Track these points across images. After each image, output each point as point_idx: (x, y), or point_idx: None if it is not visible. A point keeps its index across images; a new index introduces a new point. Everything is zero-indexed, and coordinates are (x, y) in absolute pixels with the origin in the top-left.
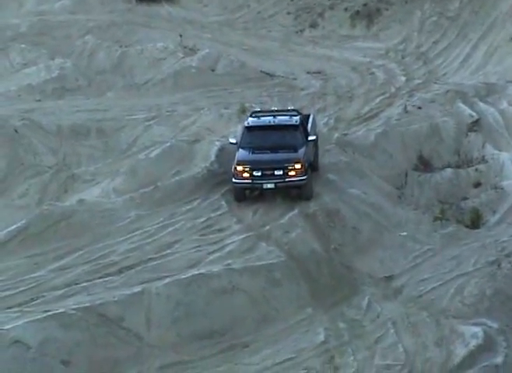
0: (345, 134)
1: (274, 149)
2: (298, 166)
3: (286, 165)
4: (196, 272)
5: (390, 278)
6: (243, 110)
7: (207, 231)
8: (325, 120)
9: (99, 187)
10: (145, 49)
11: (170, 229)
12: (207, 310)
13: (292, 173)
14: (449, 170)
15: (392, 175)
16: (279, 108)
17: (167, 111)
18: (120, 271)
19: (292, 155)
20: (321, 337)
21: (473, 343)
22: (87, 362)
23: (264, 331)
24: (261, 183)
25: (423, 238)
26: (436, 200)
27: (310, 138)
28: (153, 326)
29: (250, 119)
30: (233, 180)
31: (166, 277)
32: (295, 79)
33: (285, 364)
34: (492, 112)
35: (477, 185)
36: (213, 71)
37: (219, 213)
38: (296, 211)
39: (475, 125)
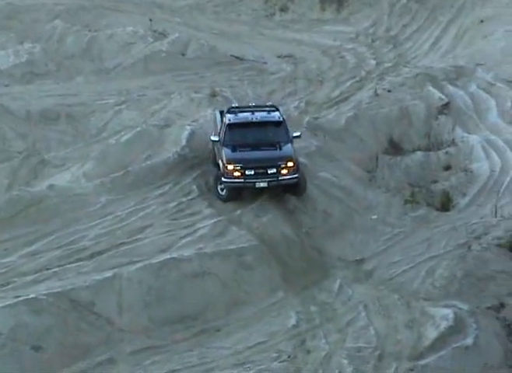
0: (316, 118)
1: (261, 146)
2: (290, 164)
3: (279, 163)
4: (167, 256)
5: (361, 261)
6: (213, 94)
7: (178, 216)
8: (296, 103)
9: (69, 172)
10: (114, 33)
11: (141, 214)
12: (178, 294)
13: (284, 171)
14: (419, 153)
15: (363, 158)
16: (258, 103)
17: (137, 95)
18: (91, 256)
19: (283, 153)
20: (293, 321)
21: (443, 324)
22: (58, 347)
23: (236, 315)
24: (254, 182)
25: (394, 221)
26: (407, 183)
27: (294, 134)
28: (125, 311)
29: (230, 115)
30: (224, 180)
31: (138, 261)
32: (265, 63)
33: (257, 347)
34: (462, 95)
35: (447, 168)
36: (183, 55)
37: (190, 197)
38: (266, 195)
39: (445, 108)
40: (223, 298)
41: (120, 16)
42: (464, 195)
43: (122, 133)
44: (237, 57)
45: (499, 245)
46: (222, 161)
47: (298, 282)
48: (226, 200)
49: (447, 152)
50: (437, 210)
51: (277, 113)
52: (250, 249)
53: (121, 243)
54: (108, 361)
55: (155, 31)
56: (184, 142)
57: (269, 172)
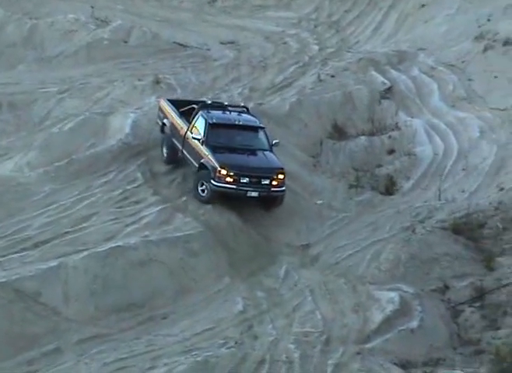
0: (260, 104)
1: (247, 152)
2: (281, 176)
3: (273, 174)
4: (113, 244)
5: (307, 246)
6: (157, 82)
7: (123, 204)
8: (239, 90)
9: (12, 162)
10: (55, 21)
11: (86, 202)
12: (125, 282)
13: (275, 183)
14: (363, 138)
15: (307, 143)
16: (230, 103)
17: (80, 83)
18: (36, 245)
19: (276, 164)
20: (240, 307)
21: (389, 308)
22: (4, 338)
23: (183, 302)
24: (246, 191)
25: (339, 206)
26: (351, 167)
27: (273, 142)
28: (71, 300)
29: (208, 113)
30: (214, 183)
31: (83, 250)
32: (208, 50)
33: (204, 334)
34: (404, 79)
35: (391, 152)
36: (126, 42)
37: (135, 185)
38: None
39: (388, 93)
40: (170, 285)
41: (61, 4)
42: (408, 179)
43: (65, 121)
44: (180, 44)
45: (443, 228)
46: (210, 163)
47: (244, 268)
48: (206, 201)
49: (390, 136)
50: (382, 194)
51: (253, 117)
52: (197, 236)
53: (66, 232)
54: (55, 351)
55: (97, 18)
56: (127, 130)
57: (263, 182)
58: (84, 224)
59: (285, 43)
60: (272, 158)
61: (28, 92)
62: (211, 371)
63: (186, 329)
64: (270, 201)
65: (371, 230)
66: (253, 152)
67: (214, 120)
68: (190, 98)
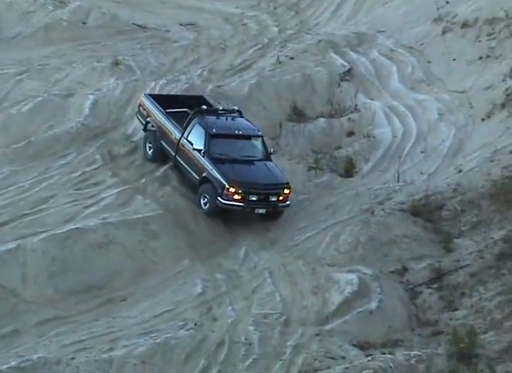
0: (219, 86)
1: (249, 163)
2: (287, 191)
3: (280, 190)
4: (72, 226)
5: (266, 228)
6: (116, 63)
7: (82, 186)
8: (199, 72)
9: None
10: (13, 2)
11: (45, 184)
12: (84, 265)
13: (281, 198)
14: (322, 120)
15: (266, 125)
16: (224, 107)
17: (39, 65)
18: None
19: (282, 179)
20: (199, 289)
21: (348, 289)
22: None
23: (142, 284)
24: (254, 208)
25: (298, 188)
26: (310, 149)
27: (272, 150)
28: (29, 282)
29: (206, 121)
30: (221, 200)
31: (42, 232)
32: (167, 31)
33: (164, 316)
34: (364, 61)
35: (350, 134)
36: (84, 23)
37: (94, 167)
38: (171, 164)
39: (347, 75)
40: (129, 267)
41: None
42: (367, 161)
43: (24, 103)
44: (139, 26)
45: (401, 210)
46: (215, 178)
47: (204, 250)
48: (209, 214)
49: (349, 119)
50: (341, 176)
51: (250, 124)
52: (156, 218)
53: (25, 214)
54: (13, 333)
55: None
56: (86, 111)
57: (271, 199)
58: (43, 206)
59: (244, 24)
60: (277, 172)
61: None
62: (170, 352)
63: (145, 311)
64: (272, 215)
65: (330, 212)
66: (257, 165)
67: (215, 131)
68: (171, 92)
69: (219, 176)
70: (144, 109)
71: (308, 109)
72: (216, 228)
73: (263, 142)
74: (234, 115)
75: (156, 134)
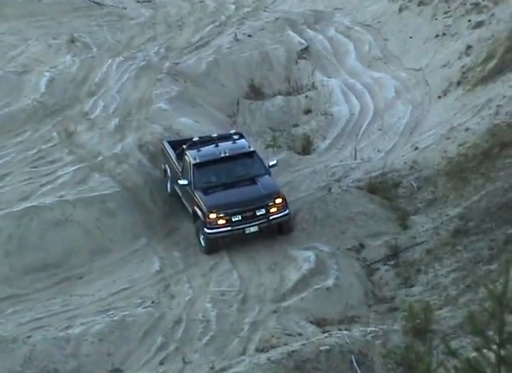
0: (177, 63)
1: (239, 184)
2: (279, 201)
3: (267, 201)
4: (28, 204)
5: None
6: (72, 40)
7: (39, 163)
8: (156, 49)
9: None
10: None
11: (1, 162)
12: (40, 243)
13: (273, 210)
14: (279, 97)
15: (224, 103)
16: (221, 133)
17: None
18: None
19: (269, 189)
20: (156, 266)
21: (305, 266)
22: None
23: (99, 262)
24: (243, 228)
25: None
26: (268, 127)
27: (270, 163)
28: None
29: (192, 152)
30: (207, 231)
31: None
32: (124, 8)
33: (121, 294)
34: (321, 39)
35: (307, 112)
36: (40, 0)
37: (50, 144)
38: (129, 140)
39: (305, 52)
40: (86, 245)
41: None
42: (325, 138)
43: None
44: (96, 3)
45: (358, 188)
46: (200, 209)
47: (161, 228)
48: (207, 252)
49: (307, 96)
50: (298, 153)
51: (244, 142)
52: (113, 196)
53: None
54: None
55: None
56: (43, 89)
57: (258, 213)
58: None
59: (201, 1)
60: (267, 183)
61: None
62: (127, 330)
63: (102, 289)
64: (276, 230)
65: (288, 189)
66: (246, 182)
67: (197, 160)
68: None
69: (202, 205)
70: (163, 155)
71: (266, 87)
72: (173, 206)
73: (257, 157)
74: (235, 138)
75: (171, 179)
